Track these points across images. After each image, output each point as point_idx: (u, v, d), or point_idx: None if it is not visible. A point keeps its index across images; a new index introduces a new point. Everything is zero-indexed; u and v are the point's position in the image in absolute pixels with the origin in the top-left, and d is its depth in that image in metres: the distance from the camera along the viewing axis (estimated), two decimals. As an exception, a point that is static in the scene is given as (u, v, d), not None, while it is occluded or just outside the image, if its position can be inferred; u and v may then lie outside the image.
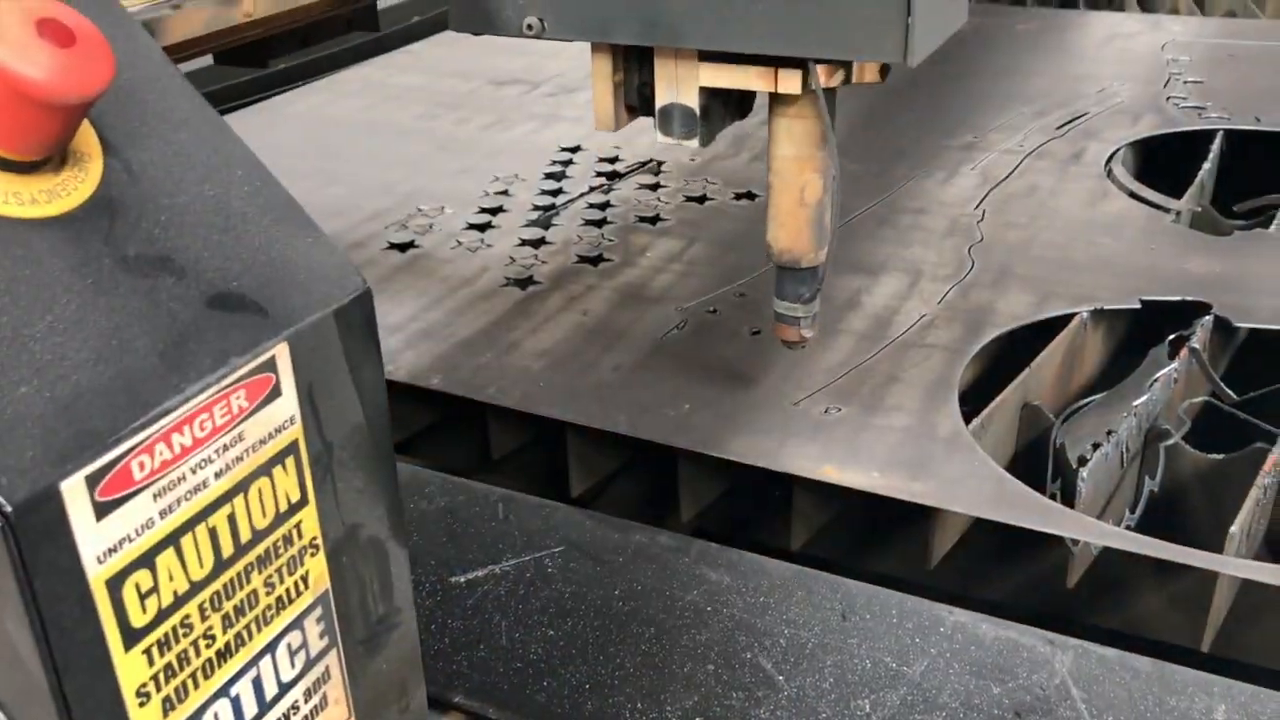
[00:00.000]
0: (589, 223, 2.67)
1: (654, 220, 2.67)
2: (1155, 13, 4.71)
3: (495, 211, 2.74)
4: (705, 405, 1.94)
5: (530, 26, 1.53)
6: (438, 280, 2.41)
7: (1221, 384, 2.07)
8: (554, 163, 3.02)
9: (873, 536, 1.92)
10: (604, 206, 2.75)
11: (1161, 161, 3.13)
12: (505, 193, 2.84)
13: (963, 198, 2.72)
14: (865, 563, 1.90)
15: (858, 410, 1.91)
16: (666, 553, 1.65)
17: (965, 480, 1.74)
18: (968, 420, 1.89)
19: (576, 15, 1.51)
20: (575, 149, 3.12)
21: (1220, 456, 1.87)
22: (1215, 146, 2.98)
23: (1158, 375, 1.98)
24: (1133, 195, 2.74)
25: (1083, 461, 1.79)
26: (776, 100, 1.54)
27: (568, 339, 2.17)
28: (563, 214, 2.72)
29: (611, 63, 1.57)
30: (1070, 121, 3.18)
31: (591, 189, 2.86)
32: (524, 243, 2.57)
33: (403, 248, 2.57)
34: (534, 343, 2.16)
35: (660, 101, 1.54)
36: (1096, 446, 1.82)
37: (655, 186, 2.86)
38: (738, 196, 2.78)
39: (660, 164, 3.00)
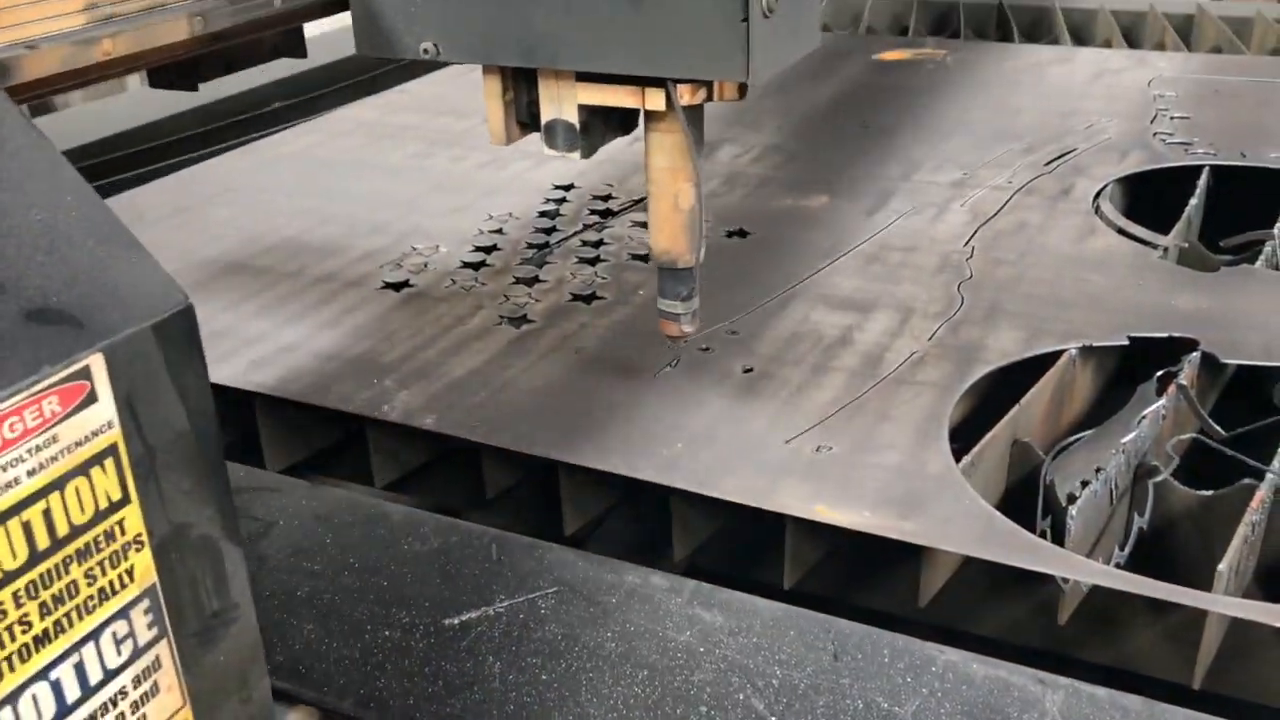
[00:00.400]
0: (582, 260, 2.69)
1: (647, 258, 2.70)
2: (1141, 48, 4.77)
3: (489, 250, 2.77)
4: (698, 443, 1.95)
5: (426, 50, 1.71)
6: (432, 319, 2.42)
7: (1209, 420, 2.09)
8: (548, 201, 3.05)
9: (864, 573, 1.93)
10: (597, 244, 2.78)
11: (1149, 197, 3.16)
12: (499, 231, 2.87)
13: (952, 234, 2.75)
14: (857, 599, 1.91)
15: (849, 448, 1.93)
16: (660, 593, 1.66)
17: (955, 518, 1.75)
18: (958, 458, 1.90)
19: (465, 40, 1.69)
20: (569, 187, 3.15)
21: (1209, 493, 1.89)
22: (1202, 182, 3.01)
23: (1146, 412, 2.00)
24: (1120, 231, 2.77)
25: (1072, 499, 1.80)
26: (648, 116, 1.70)
27: (561, 377, 2.19)
28: (556, 252, 2.75)
29: (501, 83, 1.75)
30: (1059, 158, 3.22)
31: (585, 227, 2.88)
32: (518, 281, 2.60)
33: (397, 287, 2.59)
34: (527, 380, 2.17)
35: (545, 118, 1.72)
36: (1086, 484, 1.84)
37: (648, 224, 2.88)
38: (729, 234, 2.80)
39: (653, 202, 3.02)
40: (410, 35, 1.74)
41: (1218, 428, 2.09)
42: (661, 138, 1.73)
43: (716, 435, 1.98)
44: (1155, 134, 3.38)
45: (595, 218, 2.94)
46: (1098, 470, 1.87)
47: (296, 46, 2.01)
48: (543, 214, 2.97)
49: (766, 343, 2.28)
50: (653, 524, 2.00)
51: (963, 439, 1.98)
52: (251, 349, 2.32)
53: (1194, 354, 2.18)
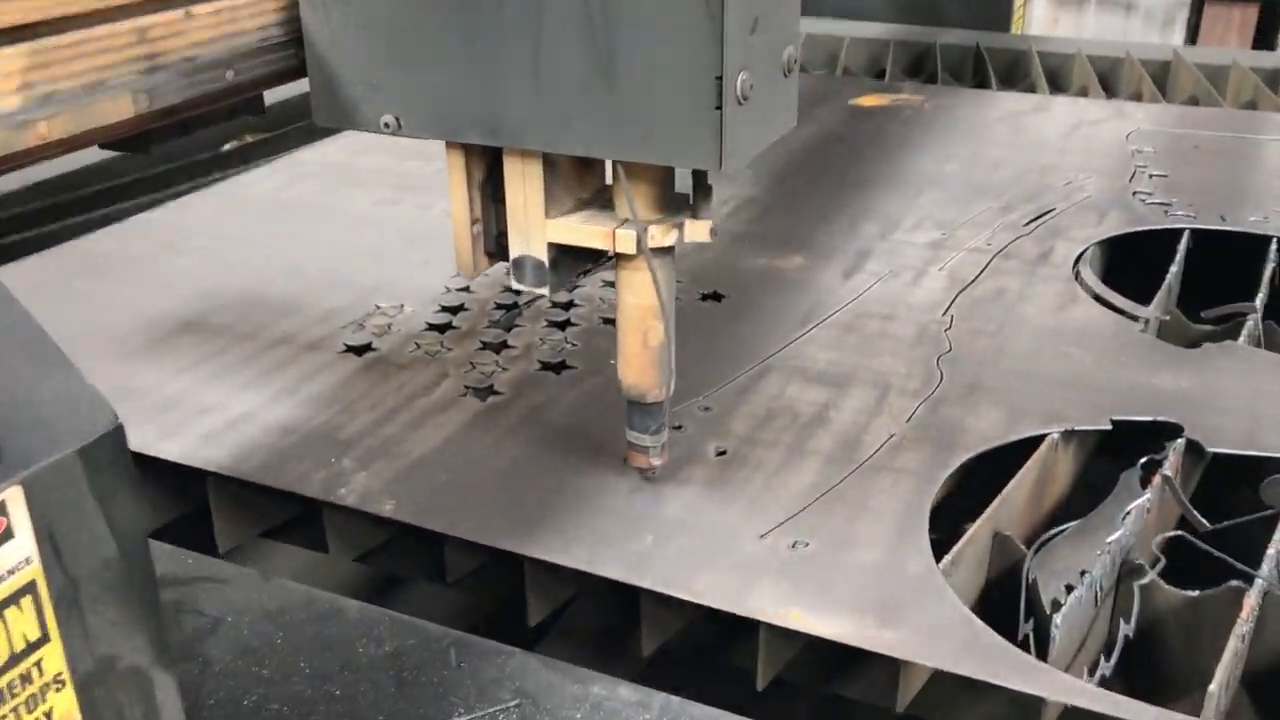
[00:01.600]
0: (552, 324, 2.61)
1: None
2: (1118, 96, 4.75)
3: (456, 310, 2.68)
4: (668, 537, 1.88)
5: (387, 124, 1.70)
6: (394, 388, 2.33)
7: (1195, 513, 2.03)
8: (517, 255, 2.97)
9: (841, 671, 1.85)
10: (568, 306, 2.70)
11: (1129, 260, 3.12)
12: (467, 289, 2.78)
13: (931, 301, 2.69)
14: (833, 688, 1.83)
15: (826, 544, 1.86)
16: (627, 708, 1.58)
17: (936, 628, 1.68)
18: (937, 551, 1.83)
19: (428, 115, 1.69)
20: (539, 240, 3.06)
21: (1196, 593, 1.83)
22: (1182, 247, 2.97)
23: (1130, 507, 1.94)
24: (1100, 300, 2.72)
25: (1056, 606, 1.74)
26: (618, 254, 1.72)
27: (527, 456, 2.11)
28: (526, 313, 2.67)
29: (468, 202, 1.77)
30: (1038, 218, 3.17)
31: (555, 286, 2.80)
32: (485, 346, 2.51)
33: (359, 351, 2.50)
34: (492, 460, 2.09)
35: (514, 253, 1.75)
36: (1070, 589, 1.77)
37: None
38: (704, 297, 2.73)
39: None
40: (371, 107, 1.72)
41: (1204, 520, 2.03)
42: (631, 275, 1.76)
43: (688, 526, 1.90)
44: (1135, 193, 3.34)
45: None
46: (1083, 573, 1.81)
47: (255, 108, 1.92)
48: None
49: (740, 420, 2.21)
50: (621, 613, 1.92)
51: (942, 525, 1.92)
52: (204, 420, 2.22)
53: (1178, 440, 2.13)
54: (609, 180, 1.83)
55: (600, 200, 1.81)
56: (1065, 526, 2.02)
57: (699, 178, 1.69)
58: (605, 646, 2.01)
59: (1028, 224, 3.14)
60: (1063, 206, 3.25)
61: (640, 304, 1.78)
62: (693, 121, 1.56)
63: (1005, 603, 1.91)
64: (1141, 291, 2.94)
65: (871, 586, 1.76)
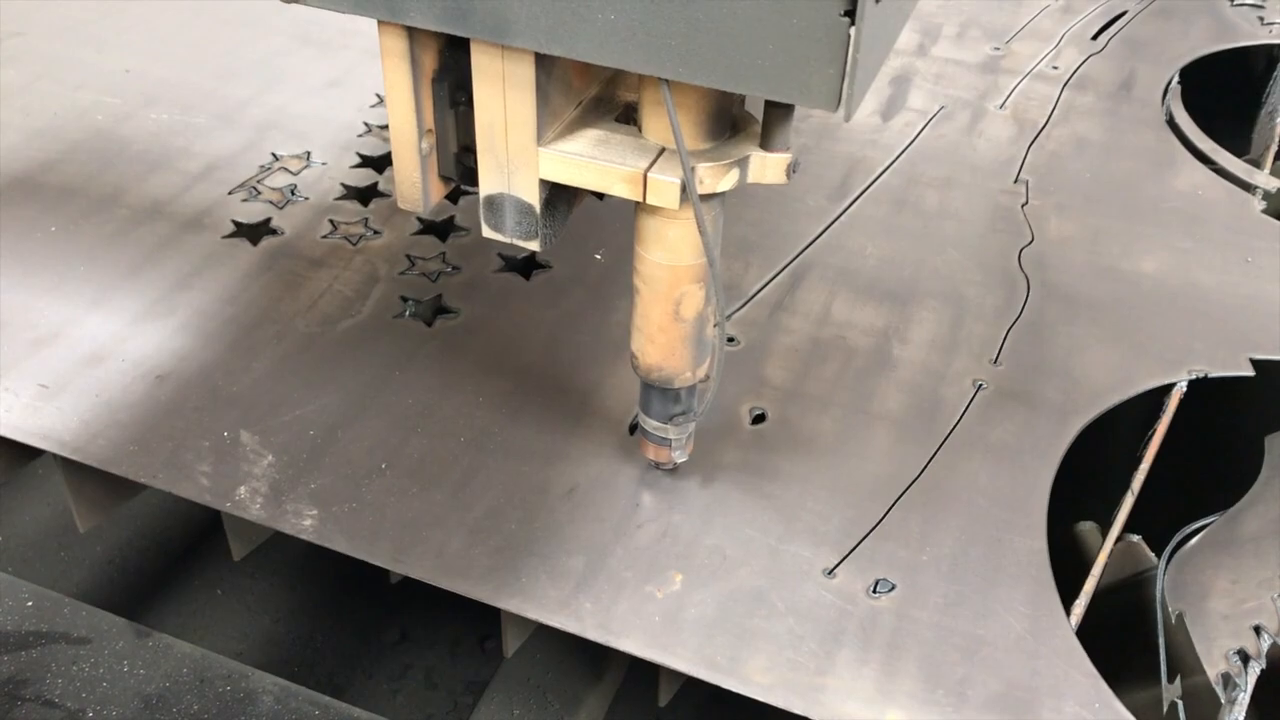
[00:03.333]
0: (512, 189, 1.97)
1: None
2: None
3: (383, 162, 2.02)
4: (701, 577, 1.36)
5: None
6: (304, 304, 1.72)
7: (1363, 500, 1.58)
8: (457, 71, 2.27)
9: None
10: (529, 157, 2.05)
11: (1214, 90, 2.54)
12: (394, 126, 2.10)
13: (997, 159, 2.10)
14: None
15: (916, 586, 1.37)
16: None
17: (1085, 739, 1.23)
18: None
19: None
20: (484, 46, 2.36)
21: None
22: (1285, 74, 2.40)
23: (1302, 513, 1.48)
24: (1203, 159, 2.16)
25: (1227, 682, 1.29)
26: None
27: (496, 434, 1.55)
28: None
29: (413, 106, 1.15)
30: (1107, 25, 2.54)
31: (511, 124, 2.13)
32: (425, 228, 1.88)
33: (254, 234, 1.85)
34: (451, 454, 1.53)
35: (486, 189, 1.16)
36: (1245, 658, 1.32)
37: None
38: (707, 147, 2.10)
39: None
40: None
41: (1369, 508, 1.58)
42: (661, 227, 1.18)
43: (727, 556, 1.39)
44: (1218, -11, 2.71)
45: (524, 107, 2.19)
46: (1257, 630, 1.36)
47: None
48: (451, 95, 2.20)
49: (777, 361, 1.66)
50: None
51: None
52: (40, 360, 1.60)
53: (1340, 395, 1.65)
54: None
55: (609, 105, 1.19)
56: (1205, 522, 1.56)
57: None
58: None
59: (1096, 35, 2.51)
60: (1135, 8, 2.61)
61: (673, 264, 1.20)
62: (805, 35, 0.93)
63: (1128, 628, 1.48)
64: (1233, 128, 2.39)
65: (989, 662, 1.29)
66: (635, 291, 1.27)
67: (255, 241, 1.83)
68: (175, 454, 1.47)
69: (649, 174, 1.11)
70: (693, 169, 1.10)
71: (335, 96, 2.18)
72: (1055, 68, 2.37)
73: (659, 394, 1.36)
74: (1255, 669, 1.31)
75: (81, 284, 1.73)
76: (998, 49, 2.43)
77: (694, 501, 1.45)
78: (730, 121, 1.15)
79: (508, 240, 1.22)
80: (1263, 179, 2.09)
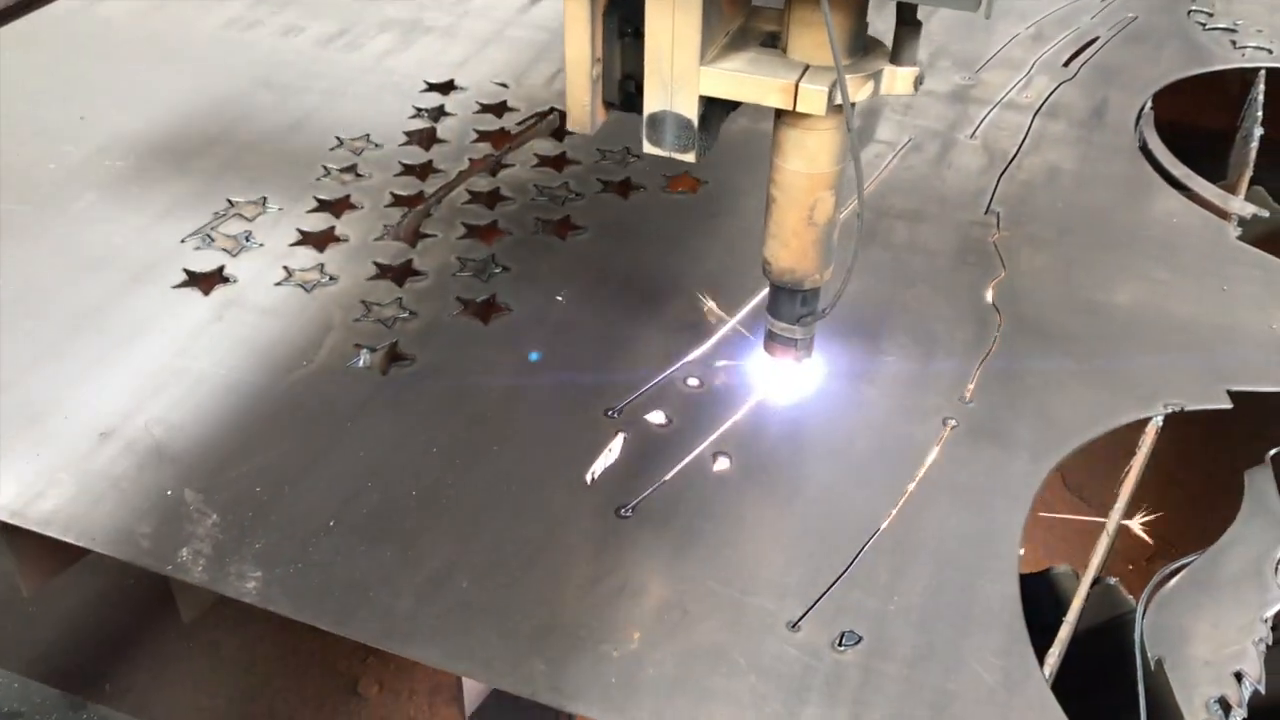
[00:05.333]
0: (471, 231, 1.93)
1: (562, 225, 1.95)
2: None
3: (340, 206, 1.98)
4: (660, 633, 1.31)
5: None
6: (255, 354, 1.67)
7: (1347, 535, 1.53)
8: (419, 111, 2.24)
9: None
10: (493, 197, 2.01)
11: (1186, 105, 2.51)
12: (353, 169, 2.07)
13: (967, 190, 2.06)
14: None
15: (883, 639, 1.31)
16: None
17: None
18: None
19: None
20: (448, 85, 2.32)
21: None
22: (1259, 97, 2.36)
23: (1278, 553, 1.43)
24: (1177, 185, 2.12)
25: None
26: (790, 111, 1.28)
27: (455, 490, 1.50)
28: (436, 211, 1.98)
29: (589, 37, 1.29)
30: (1079, 52, 2.51)
31: (471, 164, 2.10)
32: (380, 272, 1.84)
33: (206, 282, 1.80)
34: (407, 531, 1.48)
35: (651, 107, 1.31)
36: (1225, 708, 1.27)
37: (561, 161, 2.12)
38: (670, 184, 2.06)
39: (564, 115, 2.23)
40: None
41: (1355, 543, 1.54)
42: (803, 137, 1.32)
43: (689, 612, 1.33)
44: (1190, 12, 2.68)
45: (487, 147, 2.15)
46: (1238, 677, 1.30)
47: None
48: (413, 135, 2.17)
49: (742, 401, 1.61)
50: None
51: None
52: (-21, 418, 1.55)
53: (1320, 427, 1.61)
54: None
55: (753, 34, 1.33)
56: (1183, 562, 1.51)
57: (906, 10, 1.24)
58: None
59: (1067, 62, 2.48)
60: (1106, 34, 2.58)
61: (812, 172, 1.35)
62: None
63: (1100, 664, 1.42)
64: (1206, 149, 2.36)
65: (959, 719, 1.24)
66: (771, 200, 1.40)
67: (207, 291, 1.79)
68: (116, 514, 1.42)
69: (800, 84, 1.24)
70: (838, 80, 1.21)
71: (294, 140, 2.14)
72: (1026, 95, 2.34)
73: (788, 296, 1.47)
74: (1237, 718, 1.26)
75: (24, 338, 1.68)
76: (968, 78, 2.40)
77: (654, 554, 1.40)
78: (863, 43, 1.28)
79: (666, 154, 1.33)
80: (1237, 205, 2.05)
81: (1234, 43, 2.55)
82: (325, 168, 2.06)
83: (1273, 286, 1.86)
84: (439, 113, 2.23)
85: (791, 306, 1.48)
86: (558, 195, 2.02)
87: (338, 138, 2.14)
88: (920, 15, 1.24)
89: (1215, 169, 2.31)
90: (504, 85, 2.33)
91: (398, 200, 1.99)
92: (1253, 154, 2.21)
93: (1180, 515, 2.63)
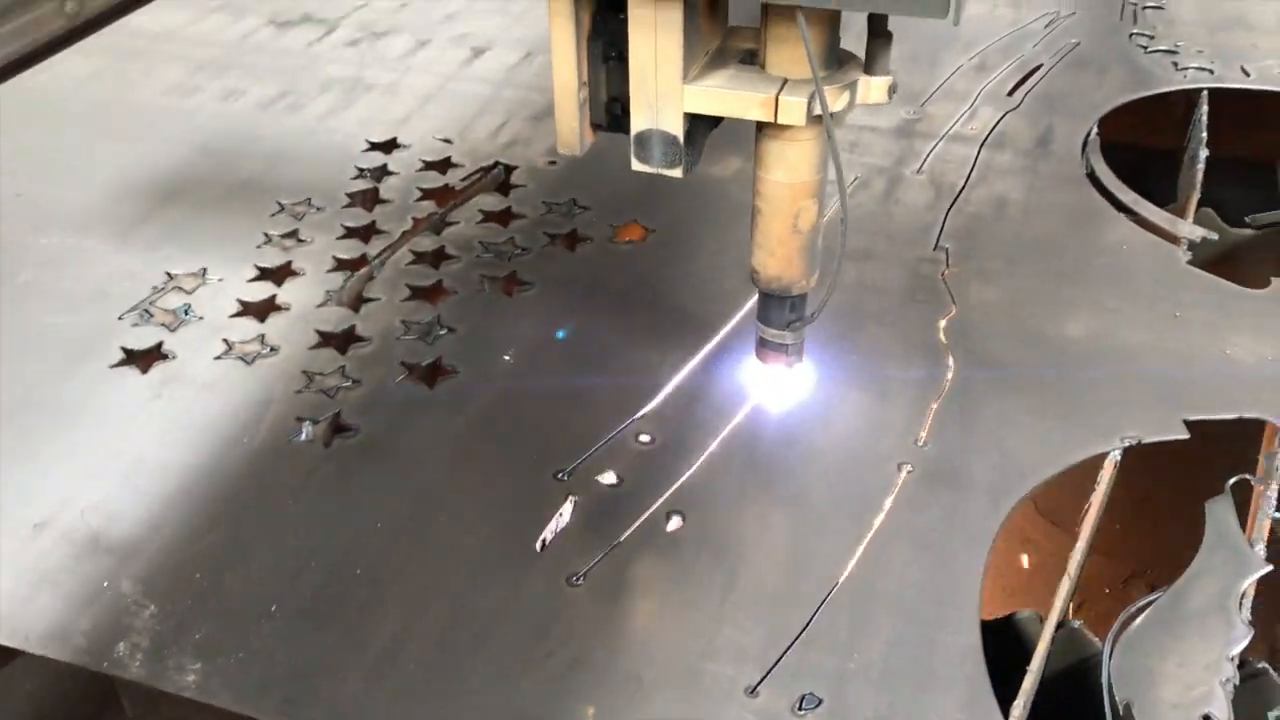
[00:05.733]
0: (415, 293, 1.90)
1: (509, 281, 1.93)
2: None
3: (281, 274, 1.94)
4: (617, 703, 1.28)
5: None
6: (192, 435, 1.63)
7: (1312, 563, 1.51)
8: (361, 172, 2.21)
9: None
10: (437, 256, 1.99)
11: (1133, 126, 2.52)
12: (294, 234, 2.04)
13: (915, 225, 2.05)
14: None
15: (844, 699, 1.28)
16: None
17: None
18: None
19: None
20: (391, 144, 2.30)
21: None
22: (1203, 118, 2.37)
23: (1243, 588, 1.41)
24: (1125, 210, 2.12)
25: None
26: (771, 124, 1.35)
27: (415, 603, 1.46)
28: (380, 274, 1.95)
29: (575, 60, 1.36)
30: (1023, 81, 2.51)
31: (415, 223, 2.07)
32: (322, 340, 1.80)
33: (144, 359, 1.76)
34: (350, 620, 1.44)
35: (637, 126, 1.37)
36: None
37: (507, 215, 2.09)
38: (618, 234, 2.04)
39: (509, 169, 2.22)
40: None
41: (1320, 570, 1.52)
42: (784, 149, 1.38)
43: (641, 675, 1.30)
44: (1132, 35, 2.69)
45: (431, 205, 2.13)
46: None
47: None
48: (354, 196, 2.14)
49: (694, 456, 1.59)
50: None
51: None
52: (-92, 515, 1.50)
53: (1277, 454, 1.59)
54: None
55: (730, 54, 1.39)
56: (1148, 600, 1.49)
57: (877, 22, 1.31)
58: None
59: (1011, 91, 2.48)
60: (1049, 61, 2.59)
61: (794, 182, 1.41)
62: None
63: (1068, 710, 1.39)
64: (1155, 171, 2.37)
65: (922, 777, 1.20)
66: (756, 212, 1.45)
67: (145, 369, 1.75)
68: (51, 610, 1.37)
69: (780, 97, 1.29)
70: (815, 92, 1.28)
71: (235, 207, 2.11)
72: (972, 127, 2.34)
73: (777, 303, 1.52)
74: (1208, 765, 1.23)
75: (-43, 428, 1.64)
76: (913, 112, 2.39)
77: (608, 623, 1.36)
78: (838, 56, 1.34)
79: (654, 171, 1.39)
80: (1186, 229, 2.05)
81: (1176, 64, 2.56)
82: (266, 234, 2.03)
83: (1225, 310, 1.85)
84: (382, 172, 2.21)
85: (781, 313, 1.53)
86: (504, 251, 1.99)
87: (279, 203, 2.11)
88: (890, 27, 1.30)
89: (1165, 191, 2.31)
90: (447, 141, 2.30)
91: (340, 264, 1.96)
92: (1199, 176, 2.21)
93: (1154, 532, 2.63)
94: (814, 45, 1.26)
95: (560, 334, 1.79)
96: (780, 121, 1.31)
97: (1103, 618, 2.85)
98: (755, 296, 1.84)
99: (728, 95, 1.32)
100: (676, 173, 1.39)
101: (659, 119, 1.35)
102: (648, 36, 1.29)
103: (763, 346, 1.57)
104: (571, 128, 1.41)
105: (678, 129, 1.35)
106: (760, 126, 1.37)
